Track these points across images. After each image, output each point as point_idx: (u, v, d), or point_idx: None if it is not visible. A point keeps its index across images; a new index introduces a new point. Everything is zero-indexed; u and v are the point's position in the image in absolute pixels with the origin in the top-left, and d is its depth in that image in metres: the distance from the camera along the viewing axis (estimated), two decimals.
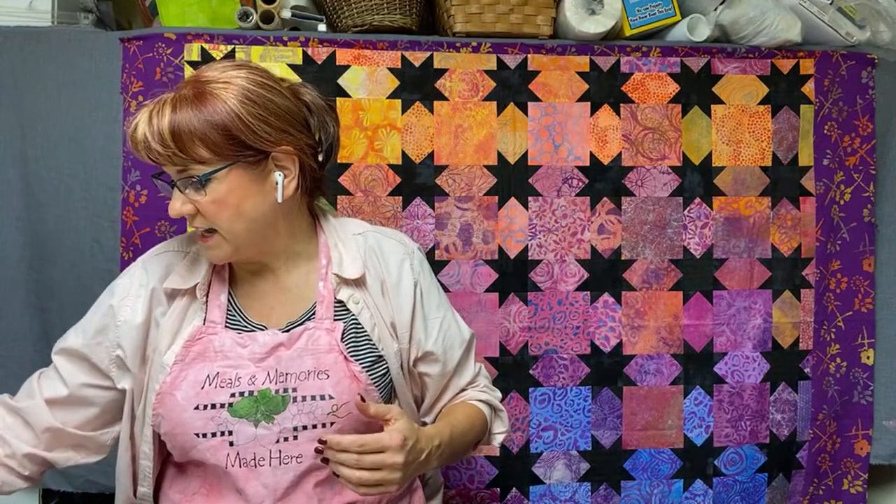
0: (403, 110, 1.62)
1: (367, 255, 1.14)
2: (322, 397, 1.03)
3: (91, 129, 1.57)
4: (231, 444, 1.01)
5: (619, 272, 1.68)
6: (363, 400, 0.96)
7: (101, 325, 1.08)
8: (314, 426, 1.03)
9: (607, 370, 1.68)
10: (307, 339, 1.05)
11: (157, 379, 1.04)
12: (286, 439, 1.02)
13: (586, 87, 1.66)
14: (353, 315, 1.10)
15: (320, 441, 0.92)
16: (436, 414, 1.21)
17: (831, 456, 1.77)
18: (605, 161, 1.67)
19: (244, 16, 1.61)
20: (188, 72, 1.56)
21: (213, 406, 1.02)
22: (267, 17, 1.62)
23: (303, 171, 1.06)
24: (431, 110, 1.63)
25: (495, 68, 1.64)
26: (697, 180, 1.70)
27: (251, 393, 1.02)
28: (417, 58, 1.62)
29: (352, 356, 1.06)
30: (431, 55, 1.63)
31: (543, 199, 1.66)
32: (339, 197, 1.60)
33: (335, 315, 1.09)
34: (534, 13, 1.65)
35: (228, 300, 1.09)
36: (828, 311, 1.75)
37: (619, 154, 1.68)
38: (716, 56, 1.70)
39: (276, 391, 1.03)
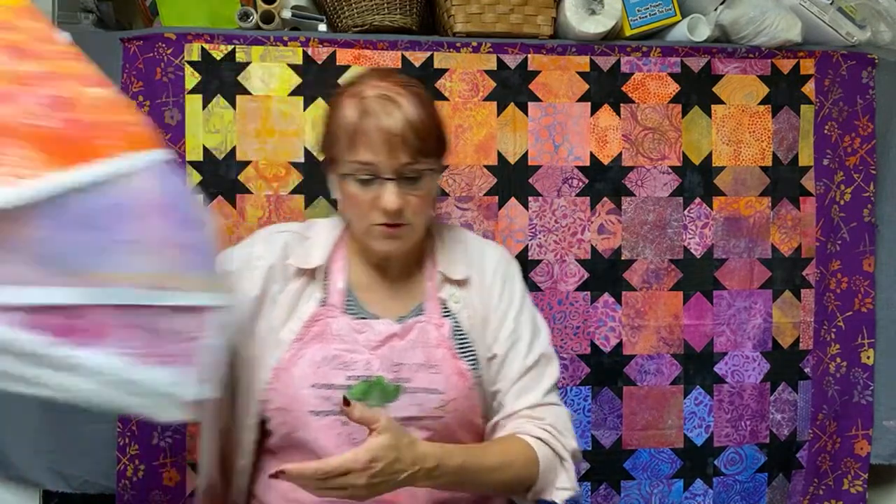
0: None
1: (471, 257, 1.18)
2: (432, 391, 1.07)
3: None
4: (344, 423, 1.03)
5: (620, 272, 1.68)
6: (347, 403, 0.94)
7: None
8: (421, 418, 1.06)
9: (607, 370, 1.68)
10: (418, 332, 1.10)
11: (272, 355, 1.08)
12: None
13: (586, 87, 1.66)
14: (454, 314, 1.14)
15: (277, 473, 0.90)
16: (490, 430, 1.15)
17: (831, 456, 1.77)
18: (606, 161, 1.67)
19: (244, 16, 1.61)
20: (188, 72, 1.56)
21: (330, 386, 1.05)
22: (267, 17, 1.62)
23: None
24: None
25: (495, 68, 1.64)
26: (697, 180, 1.70)
27: (366, 378, 1.06)
28: (418, 58, 1.62)
29: (458, 353, 1.11)
30: (432, 55, 1.63)
31: (543, 199, 1.66)
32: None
33: (441, 312, 1.13)
34: (534, 13, 1.65)
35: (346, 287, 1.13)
36: (828, 311, 1.75)
37: (620, 154, 1.68)
38: (716, 56, 1.70)
39: (391, 380, 1.07)
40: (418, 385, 1.07)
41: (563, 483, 1.09)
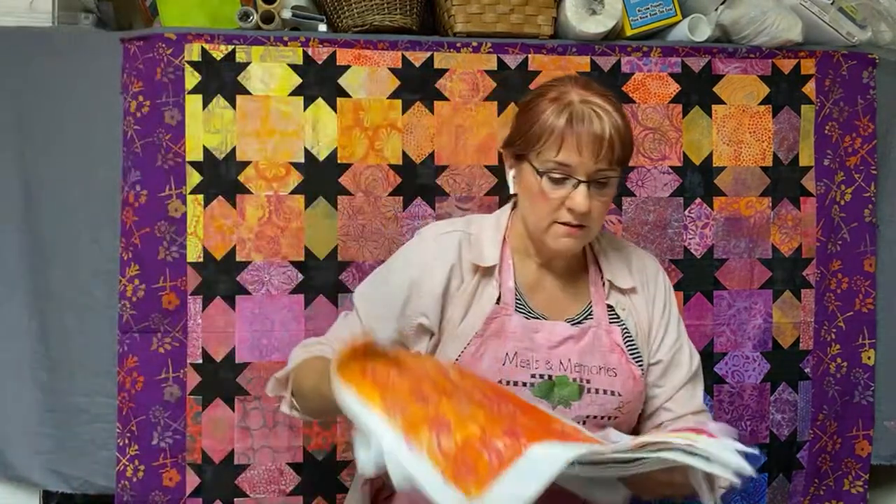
0: (404, 110, 1.62)
1: (634, 266, 1.23)
2: (612, 393, 1.12)
3: (91, 129, 1.57)
4: None
5: None
6: None
7: (405, 299, 1.14)
8: (602, 417, 1.12)
9: None
10: (593, 336, 1.14)
11: (453, 349, 1.12)
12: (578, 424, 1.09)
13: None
14: (622, 320, 1.18)
15: None
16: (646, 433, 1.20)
17: (832, 456, 1.77)
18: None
19: (244, 16, 1.60)
20: (188, 72, 1.56)
21: (516, 383, 1.10)
22: (267, 18, 1.61)
23: None
24: (432, 110, 1.62)
25: (496, 68, 1.64)
26: (698, 180, 1.70)
27: (549, 377, 1.11)
28: (418, 58, 1.62)
29: (630, 358, 1.15)
30: (432, 55, 1.63)
31: None
32: (339, 197, 1.60)
33: (609, 319, 1.18)
34: (534, 13, 1.64)
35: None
36: (828, 311, 1.75)
37: None
38: (717, 56, 1.70)
39: (574, 379, 1.11)
40: (598, 386, 1.12)
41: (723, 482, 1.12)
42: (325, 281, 1.60)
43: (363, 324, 1.16)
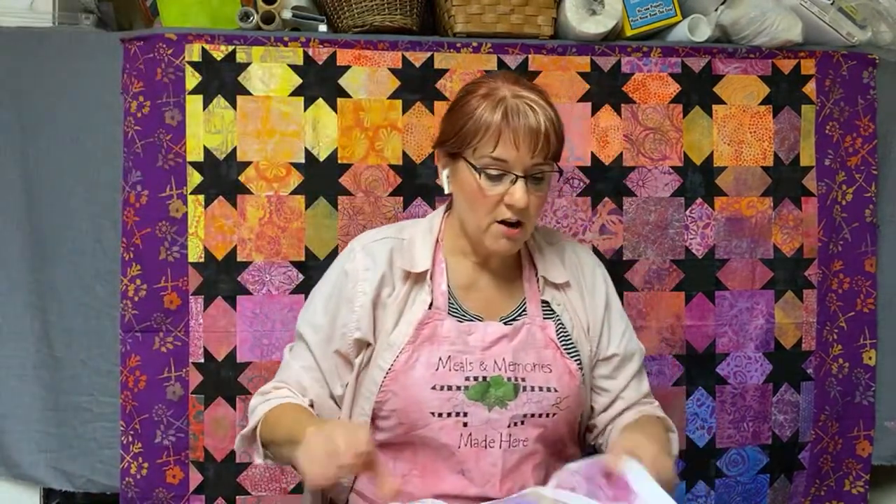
0: (404, 111, 1.62)
1: (567, 260, 1.22)
2: (548, 389, 1.11)
3: (92, 130, 1.58)
4: (465, 424, 1.08)
5: (621, 272, 1.67)
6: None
7: (339, 316, 1.14)
8: (540, 415, 1.11)
9: None
10: (526, 333, 1.13)
11: (384, 357, 1.11)
12: (515, 424, 1.09)
13: (587, 87, 1.66)
14: (557, 315, 1.17)
15: None
16: (603, 426, 1.21)
17: (833, 457, 1.77)
18: (607, 161, 1.67)
19: (245, 16, 1.61)
20: (189, 72, 1.56)
21: (450, 388, 1.09)
22: (268, 18, 1.62)
23: None
24: (432, 111, 1.63)
25: (496, 69, 1.64)
26: (699, 180, 1.70)
27: (484, 378, 1.09)
28: (418, 58, 1.62)
29: (566, 353, 1.15)
30: (432, 55, 1.63)
31: None
32: (339, 197, 1.60)
33: (543, 315, 1.17)
34: (534, 13, 1.65)
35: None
36: (830, 311, 1.74)
37: (621, 154, 1.68)
38: (717, 56, 1.69)
39: (508, 379, 1.10)
40: (534, 384, 1.11)
41: (674, 451, 1.19)
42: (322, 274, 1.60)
43: (312, 353, 1.15)
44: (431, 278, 1.15)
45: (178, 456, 1.57)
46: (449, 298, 1.14)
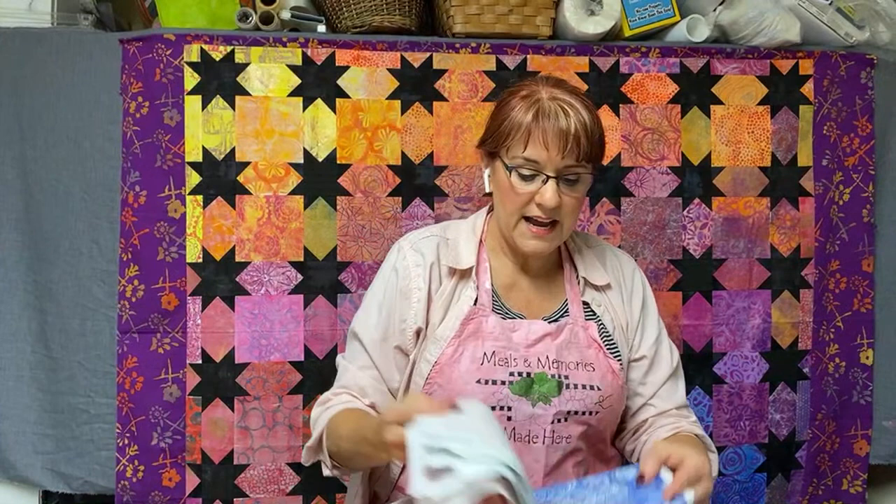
0: (403, 111, 1.62)
1: (608, 263, 1.25)
2: (592, 387, 1.13)
3: (90, 130, 1.57)
4: (509, 419, 1.11)
5: None
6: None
7: (398, 313, 1.17)
8: (583, 412, 1.13)
9: None
10: (569, 333, 1.16)
11: (431, 350, 1.14)
12: (559, 421, 1.12)
13: (586, 87, 1.66)
14: (598, 316, 1.20)
15: None
16: (632, 430, 1.22)
17: (830, 456, 1.77)
18: (605, 162, 1.67)
19: (244, 17, 1.61)
20: (188, 73, 1.56)
21: (495, 382, 1.11)
22: (266, 18, 1.62)
23: None
24: (431, 111, 1.63)
25: (495, 69, 1.64)
26: (697, 181, 1.70)
27: (528, 374, 1.12)
28: (417, 58, 1.62)
29: (608, 353, 1.17)
30: (431, 56, 1.63)
31: None
32: (338, 198, 1.60)
33: (585, 315, 1.19)
34: (533, 14, 1.65)
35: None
36: (827, 311, 1.75)
37: (619, 154, 1.68)
38: (715, 56, 1.70)
39: (552, 376, 1.12)
40: (577, 381, 1.13)
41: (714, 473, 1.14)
42: (324, 281, 1.60)
43: (368, 353, 1.17)
44: (476, 275, 1.17)
45: (174, 458, 1.57)
46: (493, 296, 1.16)
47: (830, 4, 1.72)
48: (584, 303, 1.20)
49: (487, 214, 1.24)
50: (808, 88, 1.72)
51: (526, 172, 1.09)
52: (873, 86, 1.74)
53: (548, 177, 1.08)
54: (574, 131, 1.07)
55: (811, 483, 1.76)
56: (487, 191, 1.18)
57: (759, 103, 1.71)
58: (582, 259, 1.23)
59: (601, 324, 1.19)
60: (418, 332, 1.16)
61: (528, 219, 1.12)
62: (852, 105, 1.74)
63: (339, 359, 1.23)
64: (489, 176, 1.17)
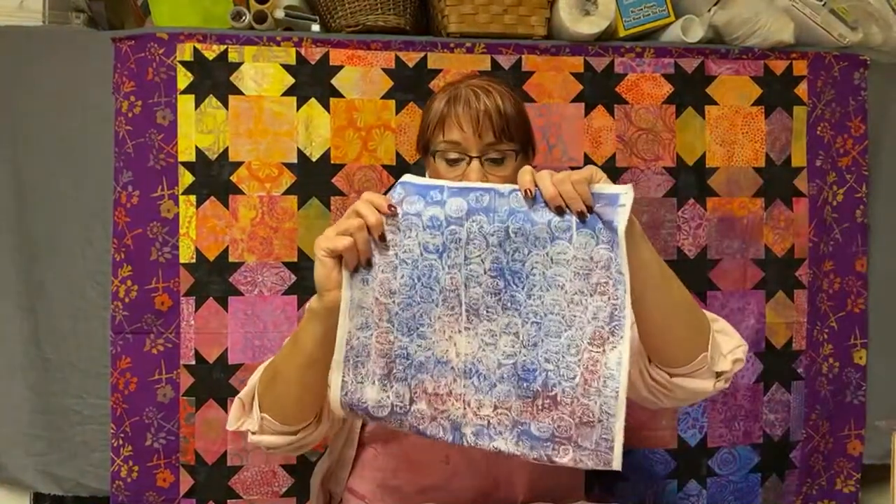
0: (397, 111, 1.62)
1: None
2: None
3: (82, 129, 1.56)
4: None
5: None
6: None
7: None
8: None
9: None
10: None
11: None
12: None
13: (580, 87, 1.66)
14: None
15: None
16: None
17: (824, 456, 1.78)
18: (600, 162, 1.67)
19: (237, 16, 1.60)
20: (181, 72, 1.55)
21: None
22: (260, 17, 1.61)
23: None
24: None
25: (489, 69, 1.64)
26: (691, 181, 1.70)
27: None
28: (411, 58, 1.62)
29: None
30: (425, 56, 1.62)
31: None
32: (332, 198, 1.60)
33: None
34: (528, 14, 1.64)
35: None
36: (821, 311, 1.75)
37: (613, 155, 1.68)
38: (709, 57, 1.70)
39: None
40: None
41: (730, 345, 1.07)
42: None
43: None
44: None
45: (168, 459, 1.56)
46: None
47: (824, 6, 1.72)
48: None
49: None
50: (801, 89, 1.73)
51: (451, 156, 1.12)
52: (866, 87, 1.74)
53: (470, 157, 1.11)
54: (485, 108, 1.10)
55: (805, 483, 1.76)
56: None
57: (754, 104, 1.71)
58: None
59: None
60: None
61: None
62: (846, 106, 1.74)
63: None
64: (427, 174, 1.19)
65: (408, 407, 0.96)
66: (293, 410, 1.06)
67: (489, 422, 0.93)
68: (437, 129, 1.14)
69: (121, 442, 1.55)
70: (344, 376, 0.98)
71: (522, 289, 0.91)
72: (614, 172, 1.68)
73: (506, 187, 0.92)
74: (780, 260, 1.73)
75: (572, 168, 1.66)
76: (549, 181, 0.88)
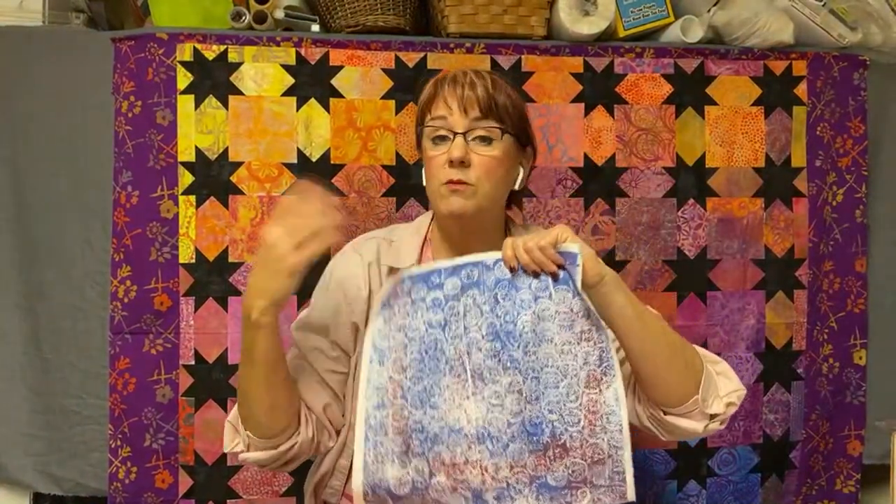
0: (397, 111, 1.62)
1: None
2: None
3: (82, 130, 1.56)
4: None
5: None
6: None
7: (336, 310, 1.16)
8: None
9: None
10: None
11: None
12: None
13: (580, 88, 1.66)
14: None
15: None
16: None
17: (824, 456, 1.78)
18: (599, 162, 1.67)
19: (237, 16, 1.60)
20: (180, 72, 1.55)
21: None
22: (260, 18, 1.61)
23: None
24: None
25: (489, 69, 1.64)
26: (691, 181, 1.70)
27: None
28: (411, 58, 1.62)
29: None
30: (425, 56, 1.62)
31: (537, 200, 1.65)
32: (332, 198, 1.60)
33: None
34: (528, 14, 1.65)
35: None
36: (820, 311, 1.75)
37: (613, 155, 1.68)
38: (709, 57, 1.70)
39: None
40: None
41: (728, 388, 1.09)
42: (317, 282, 1.59)
43: (297, 346, 1.18)
44: None
45: (167, 460, 1.56)
46: None
47: (823, 6, 1.72)
48: None
49: (433, 214, 1.23)
50: (801, 89, 1.73)
51: (438, 134, 1.12)
52: (866, 87, 1.75)
53: (455, 133, 1.10)
54: (471, 83, 1.11)
55: (805, 483, 1.76)
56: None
57: (753, 104, 1.72)
58: None
59: None
60: (356, 329, 1.15)
61: (448, 183, 1.11)
62: (845, 106, 1.74)
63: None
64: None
65: (427, 481, 1.00)
66: (268, 421, 1.07)
67: (508, 483, 0.97)
68: (425, 111, 1.15)
69: (119, 443, 1.55)
70: (366, 456, 1.03)
71: (518, 347, 0.97)
72: (614, 173, 1.68)
73: (490, 258, 1.00)
74: (780, 260, 1.73)
75: (572, 168, 1.66)
76: (522, 250, 0.97)
